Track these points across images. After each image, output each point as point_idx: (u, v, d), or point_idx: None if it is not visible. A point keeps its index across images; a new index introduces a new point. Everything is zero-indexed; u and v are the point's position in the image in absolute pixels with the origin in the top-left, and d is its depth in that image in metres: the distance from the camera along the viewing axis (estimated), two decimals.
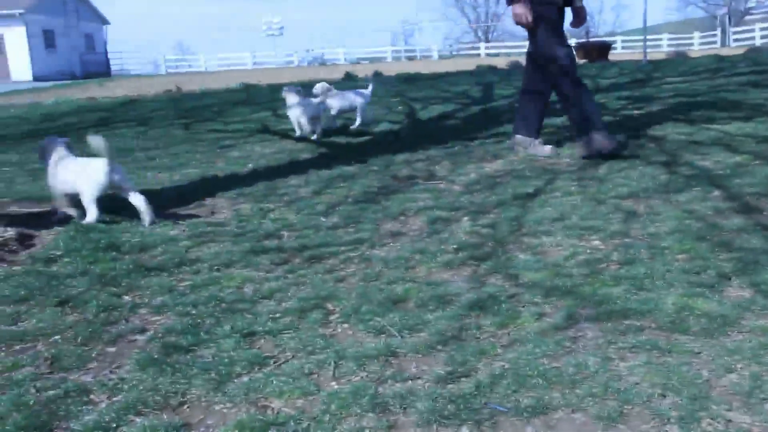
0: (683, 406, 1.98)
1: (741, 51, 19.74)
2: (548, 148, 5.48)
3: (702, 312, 2.56)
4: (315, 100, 7.07)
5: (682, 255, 3.15)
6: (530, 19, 5.16)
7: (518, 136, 5.61)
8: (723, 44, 37.43)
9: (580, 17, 5.51)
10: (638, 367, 2.22)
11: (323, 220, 4.06)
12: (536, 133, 5.57)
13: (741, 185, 4.16)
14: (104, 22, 48.25)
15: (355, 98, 7.52)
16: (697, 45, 38.77)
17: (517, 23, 5.24)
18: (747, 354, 2.25)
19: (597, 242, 3.43)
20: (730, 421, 1.91)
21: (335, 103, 7.41)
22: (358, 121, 7.53)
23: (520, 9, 5.17)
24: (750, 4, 51.01)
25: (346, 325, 2.67)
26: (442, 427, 1.98)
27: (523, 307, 2.73)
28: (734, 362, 2.21)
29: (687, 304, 2.63)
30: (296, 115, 6.93)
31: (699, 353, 2.29)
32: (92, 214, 4.01)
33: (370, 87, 7.76)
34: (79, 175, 4.04)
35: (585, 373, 2.21)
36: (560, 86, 5.32)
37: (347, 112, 7.63)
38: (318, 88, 7.36)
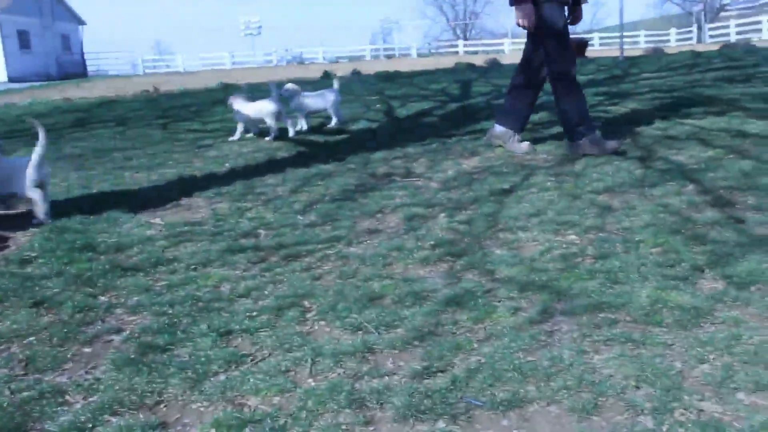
0: (656, 397, 2.01)
1: (716, 47, 19.93)
2: (525, 144, 5.50)
3: (675, 304, 2.59)
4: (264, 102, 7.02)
5: (657, 248, 3.18)
6: (533, 21, 5.12)
7: (499, 128, 5.61)
8: (699, 40, 37.74)
9: (577, 16, 5.46)
10: (612, 359, 2.25)
11: (300, 218, 4.06)
12: (519, 129, 5.57)
13: (715, 179, 4.21)
14: (80, 22, 47.80)
15: (327, 97, 7.47)
16: (674, 41, 39.07)
17: (520, 25, 5.20)
18: (719, 345, 2.27)
19: (572, 237, 3.45)
20: (702, 411, 1.93)
21: (309, 103, 7.36)
22: (334, 121, 7.51)
23: (524, 11, 5.12)
24: (725, 1, 51.50)
25: (323, 323, 2.67)
26: (419, 421, 1.99)
27: (499, 302, 2.75)
28: (707, 353, 2.24)
29: (661, 297, 2.66)
30: (268, 112, 6.88)
31: (672, 345, 2.32)
32: (40, 207, 4.05)
33: (336, 84, 7.69)
34: (13, 174, 4.07)
35: (560, 366, 2.23)
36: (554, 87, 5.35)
37: (318, 112, 7.58)
38: (288, 89, 7.29)
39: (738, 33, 33.86)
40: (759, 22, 34.14)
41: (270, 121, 6.86)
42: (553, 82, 5.32)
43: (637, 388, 2.07)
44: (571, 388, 2.10)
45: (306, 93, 7.43)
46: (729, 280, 2.78)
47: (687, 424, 1.87)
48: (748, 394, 2.00)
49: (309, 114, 7.48)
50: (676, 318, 2.49)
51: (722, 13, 49.78)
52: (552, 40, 5.20)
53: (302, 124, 7.32)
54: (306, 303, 2.85)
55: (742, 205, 3.71)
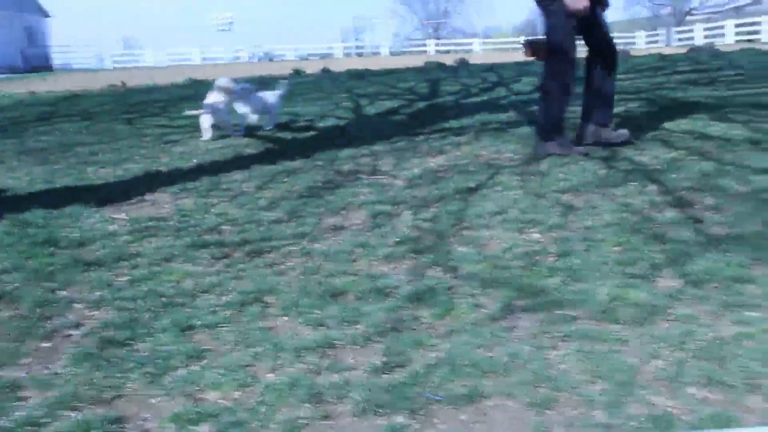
0: (611, 392, 2.04)
1: (683, 50, 20.19)
2: (622, 132, 5.41)
3: (633, 302, 2.63)
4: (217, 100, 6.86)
5: (617, 247, 3.23)
6: (587, 4, 4.87)
7: (588, 125, 5.46)
8: (667, 44, 38.20)
9: (604, 2, 5.31)
10: (570, 355, 2.28)
11: (265, 214, 4.05)
12: (608, 119, 5.49)
13: (676, 180, 4.27)
14: (46, 15, 47.16)
15: (268, 99, 7.31)
16: (642, 44, 39.51)
17: (572, 12, 4.93)
18: (673, 341, 2.32)
19: (536, 235, 3.49)
20: (654, 405, 1.97)
21: (260, 102, 7.18)
22: (269, 123, 7.27)
23: None
24: (692, 5, 52.22)
25: (285, 318, 2.68)
26: (377, 416, 2.01)
27: (461, 298, 2.77)
28: (661, 349, 2.28)
29: (619, 295, 2.70)
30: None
31: (628, 341, 2.36)
32: None
33: (283, 88, 7.57)
34: None
35: (518, 362, 2.26)
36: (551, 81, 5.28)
37: (260, 113, 7.27)
38: (245, 87, 7.07)
39: (705, 37, 34.33)
40: (723, 27, 34.68)
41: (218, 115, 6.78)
42: (545, 78, 5.31)
43: (593, 383, 2.11)
44: (528, 383, 2.13)
45: (259, 92, 7.27)
46: (685, 278, 2.83)
47: (639, 418, 1.91)
48: (700, 388, 2.05)
49: (260, 113, 7.23)
50: (633, 315, 2.54)
51: (689, 17, 50.49)
52: (563, 36, 5.12)
53: (252, 121, 7.10)
54: (268, 299, 2.85)
55: (701, 206, 3.77)
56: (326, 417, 2.01)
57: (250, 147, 6.32)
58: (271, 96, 7.36)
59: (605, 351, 2.29)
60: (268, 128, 7.16)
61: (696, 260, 3.00)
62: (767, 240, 3.20)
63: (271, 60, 39.96)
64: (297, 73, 16.61)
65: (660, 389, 2.05)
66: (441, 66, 16.62)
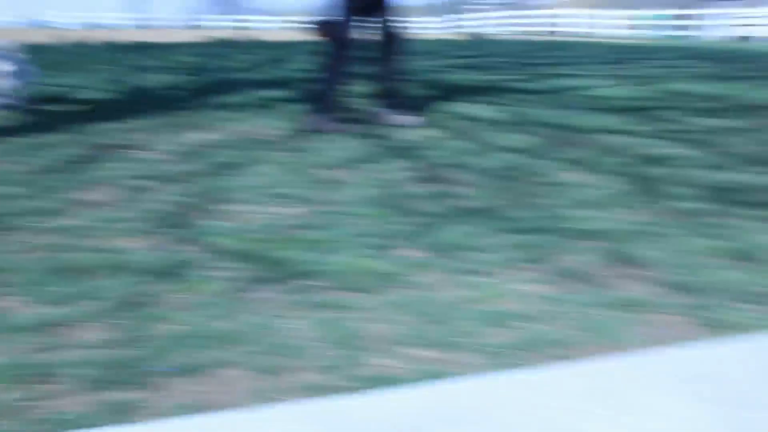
0: (342, 357, 2.13)
1: (463, 37, 21.28)
2: (406, 117, 5.56)
3: (376, 271, 2.75)
4: None
5: (369, 220, 3.36)
6: None
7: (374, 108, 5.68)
8: (451, 29, 39.99)
9: None
10: (309, 323, 2.34)
11: (10, 189, 3.79)
12: (395, 103, 5.66)
13: (433, 157, 4.51)
14: None
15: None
16: (430, 29, 41.06)
17: None
18: (408, 307, 2.45)
19: (292, 209, 3.54)
20: (378, 365, 2.08)
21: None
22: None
23: None
24: None
25: (15, 297, 2.52)
26: (109, 391, 1.95)
27: (208, 272, 2.75)
28: (395, 315, 2.41)
29: (364, 265, 2.81)
30: None
31: (366, 308, 2.46)
32: None
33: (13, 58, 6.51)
34: None
35: (258, 331, 2.29)
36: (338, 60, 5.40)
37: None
38: None
39: (495, 25, 36.43)
40: (502, 17, 37.07)
41: None
42: (323, 57, 5.41)
43: (326, 349, 2.18)
44: (266, 351, 2.17)
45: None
46: (427, 248, 2.99)
47: (364, 378, 2.01)
48: (423, 349, 2.18)
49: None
50: (374, 283, 2.64)
51: (475, 5, 53.15)
52: (343, 18, 5.26)
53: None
54: (4, 277, 2.68)
55: (453, 181, 4.01)
56: (52, 396, 1.93)
57: (1, 119, 5.87)
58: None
59: (343, 318, 2.38)
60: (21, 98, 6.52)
61: (440, 231, 3.18)
62: (506, 212, 3.46)
63: (44, 27, 37.31)
64: (82, 45, 15.64)
65: (386, 351, 2.17)
66: (227, 42, 16.37)
